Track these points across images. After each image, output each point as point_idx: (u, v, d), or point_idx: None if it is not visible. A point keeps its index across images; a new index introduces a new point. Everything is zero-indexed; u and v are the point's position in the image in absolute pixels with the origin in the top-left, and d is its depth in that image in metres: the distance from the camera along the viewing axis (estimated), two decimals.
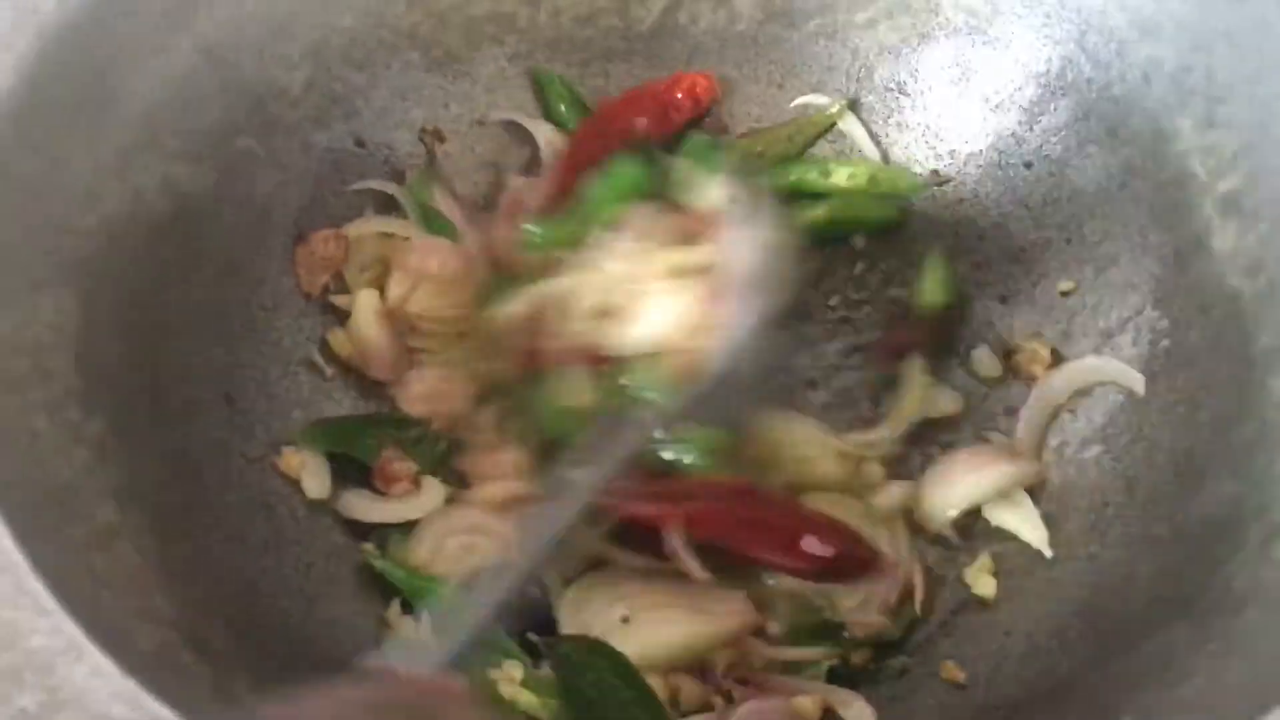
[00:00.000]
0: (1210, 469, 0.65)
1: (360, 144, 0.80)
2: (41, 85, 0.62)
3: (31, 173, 0.62)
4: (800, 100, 0.85)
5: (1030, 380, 0.76)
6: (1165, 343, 0.71)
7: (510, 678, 0.65)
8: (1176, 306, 0.71)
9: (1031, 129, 0.79)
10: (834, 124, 0.84)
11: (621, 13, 0.84)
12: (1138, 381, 0.71)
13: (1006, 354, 0.78)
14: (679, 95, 0.83)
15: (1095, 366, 0.74)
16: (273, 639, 0.62)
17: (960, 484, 0.72)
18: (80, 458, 0.58)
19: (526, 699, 0.65)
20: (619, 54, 0.85)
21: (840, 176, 0.82)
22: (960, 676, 0.68)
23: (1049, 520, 0.71)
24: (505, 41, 0.83)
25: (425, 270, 0.77)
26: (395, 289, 0.77)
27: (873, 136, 0.84)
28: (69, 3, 0.63)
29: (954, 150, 0.82)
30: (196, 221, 0.71)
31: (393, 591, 0.69)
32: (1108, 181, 0.76)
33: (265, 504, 0.69)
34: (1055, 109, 0.78)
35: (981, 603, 0.70)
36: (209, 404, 0.69)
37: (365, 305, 0.76)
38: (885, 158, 0.84)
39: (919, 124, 0.83)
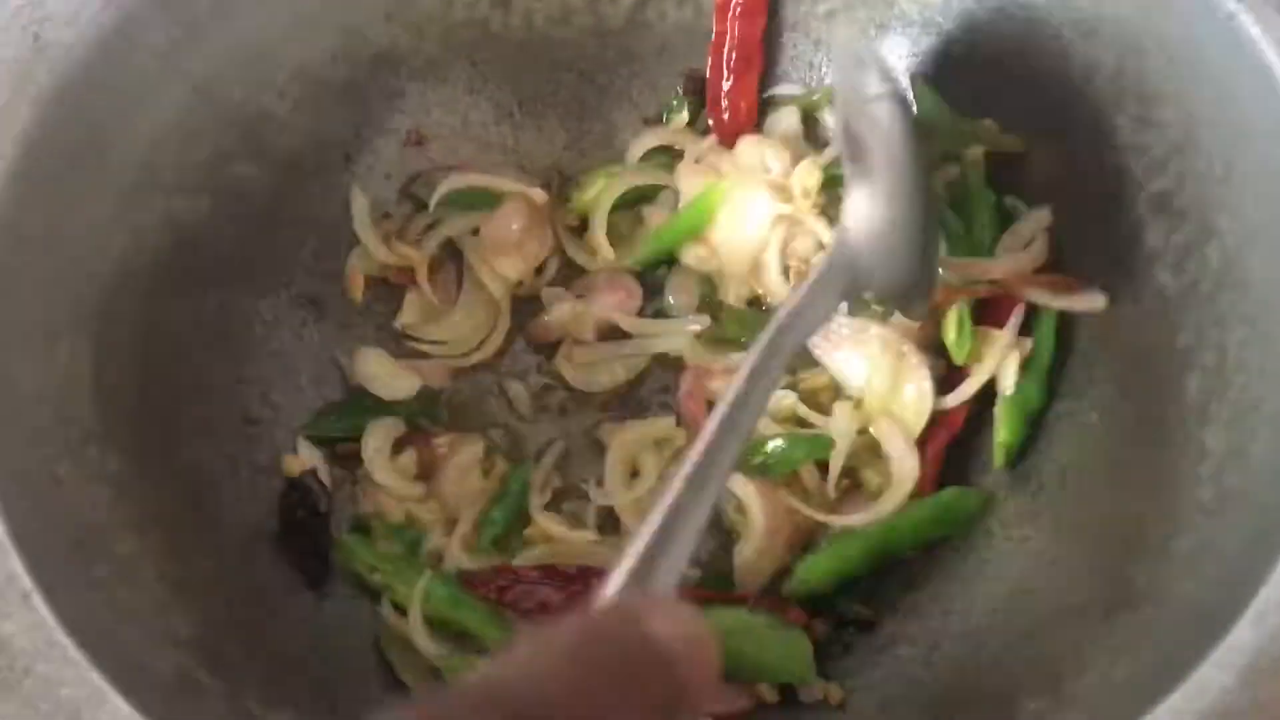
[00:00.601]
0: (1135, 468, 0.69)
1: (348, 158, 0.85)
2: (41, 148, 0.67)
3: (39, 229, 0.66)
4: (772, 91, 0.88)
5: None
6: (1099, 327, 0.75)
7: None
8: (1112, 295, 0.75)
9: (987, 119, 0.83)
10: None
11: (593, 11, 0.87)
12: None
13: None
14: None
15: None
16: (283, 647, 0.69)
17: None
18: (101, 496, 0.64)
19: None
20: (591, 52, 0.88)
21: None
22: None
23: (994, 500, 0.76)
24: (481, 46, 0.87)
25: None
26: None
27: None
28: (61, 67, 0.68)
29: None
30: (195, 248, 0.76)
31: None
32: (1058, 173, 0.80)
33: (274, 513, 0.76)
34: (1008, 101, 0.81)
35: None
36: (220, 422, 0.76)
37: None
38: None
39: None
